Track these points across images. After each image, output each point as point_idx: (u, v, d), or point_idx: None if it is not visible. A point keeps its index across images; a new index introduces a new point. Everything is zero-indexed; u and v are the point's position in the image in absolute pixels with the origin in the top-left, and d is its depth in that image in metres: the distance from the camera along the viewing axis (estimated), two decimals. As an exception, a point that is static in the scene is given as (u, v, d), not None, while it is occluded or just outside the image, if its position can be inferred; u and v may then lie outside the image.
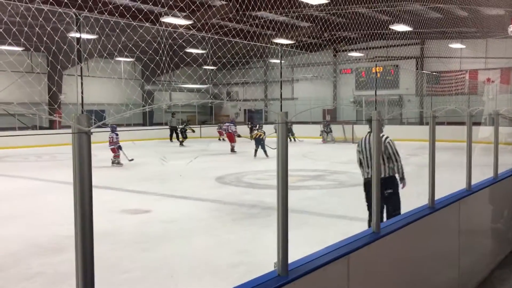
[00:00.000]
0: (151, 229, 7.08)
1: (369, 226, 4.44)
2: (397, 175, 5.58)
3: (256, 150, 17.20)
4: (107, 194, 9.70)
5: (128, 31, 12.25)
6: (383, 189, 5.15)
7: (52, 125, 27.56)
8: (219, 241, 6.44)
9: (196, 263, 5.46)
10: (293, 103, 31.83)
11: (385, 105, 28.48)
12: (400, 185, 5.61)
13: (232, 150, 19.37)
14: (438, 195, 4.11)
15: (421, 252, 3.69)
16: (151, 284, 4.86)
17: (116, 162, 14.77)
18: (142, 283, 4.88)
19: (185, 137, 24.28)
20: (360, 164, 5.78)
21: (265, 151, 16.88)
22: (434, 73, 28.04)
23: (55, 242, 6.29)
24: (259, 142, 17.20)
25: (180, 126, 24.65)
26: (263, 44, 24.72)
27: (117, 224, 7.31)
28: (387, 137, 5.56)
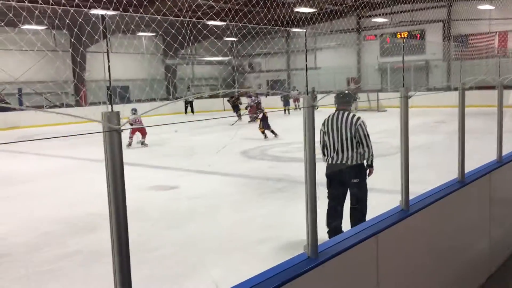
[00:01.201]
0: (179, 206, 7.20)
1: (330, 236, 4.42)
2: (365, 162, 4.97)
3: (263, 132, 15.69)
4: (133, 171, 9.85)
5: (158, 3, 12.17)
6: (350, 178, 4.86)
7: (78, 102, 27.98)
8: (246, 217, 6.51)
9: (224, 240, 5.55)
10: (317, 73, 31.44)
11: (411, 71, 27.87)
12: (367, 173, 5.01)
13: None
14: (468, 165, 4.04)
15: (451, 226, 3.66)
16: (180, 261, 4.96)
17: (142, 142, 14.48)
18: (172, 260, 4.99)
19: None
20: (323, 147, 5.03)
21: (272, 131, 15.13)
22: (462, 36, 27.20)
23: (88, 221, 6.46)
24: (265, 121, 15.73)
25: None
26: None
27: (145, 201, 7.45)
28: (358, 118, 4.90)
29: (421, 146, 10.46)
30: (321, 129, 4.97)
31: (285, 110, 25.42)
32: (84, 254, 5.26)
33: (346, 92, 5.15)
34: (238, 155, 11.90)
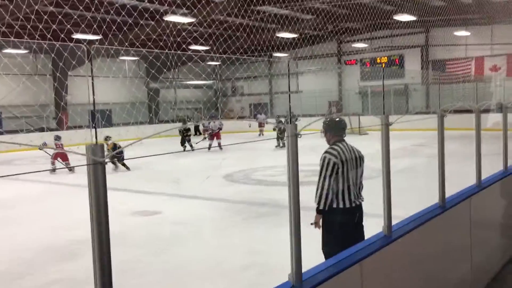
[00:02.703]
0: (162, 232, 7.13)
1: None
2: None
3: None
4: (116, 196, 9.76)
5: (136, 29, 12.27)
6: (361, 221, 4.06)
7: (59, 125, 27.70)
8: (231, 242, 6.47)
9: (208, 266, 5.50)
10: (298, 96, 31.78)
11: (391, 95, 28.34)
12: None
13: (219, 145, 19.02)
14: (448, 189, 4.10)
15: (433, 251, 3.69)
16: (165, 288, 4.90)
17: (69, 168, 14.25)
18: (156, 287, 4.93)
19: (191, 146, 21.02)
20: (337, 182, 3.99)
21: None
22: (439, 61, 27.87)
23: (70, 247, 6.35)
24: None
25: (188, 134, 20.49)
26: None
27: (129, 227, 7.36)
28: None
29: (402, 170, 10.59)
30: (333, 161, 3.99)
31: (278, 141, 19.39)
32: (65, 282, 5.17)
33: (339, 119, 4.39)
34: (222, 179, 11.88)
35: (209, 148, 18.43)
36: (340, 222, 4.00)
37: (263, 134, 26.09)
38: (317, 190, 4.05)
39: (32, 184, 12.33)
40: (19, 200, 10.16)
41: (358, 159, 4.15)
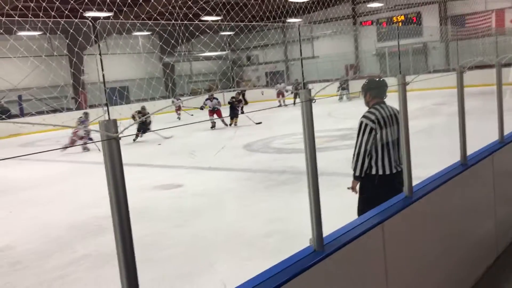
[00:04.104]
0: (184, 204, 7.23)
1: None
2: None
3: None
4: (138, 171, 9.90)
5: (145, 5, 12.16)
6: (400, 187, 3.22)
7: (78, 106, 28.00)
8: (252, 211, 6.53)
9: (231, 235, 5.57)
10: (315, 61, 31.35)
11: (409, 55, 27.74)
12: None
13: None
14: (470, 146, 4.02)
15: (455, 210, 3.66)
16: (189, 259, 4.99)
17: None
18: (181, 259, 5.02)
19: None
20: (368, 153, 3.86)
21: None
22: (458, 17, 27.05)
23: (95, 224, 6.50)
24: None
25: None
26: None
27: (151, 201, 7.48)
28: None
29: (422, 130, 10.44)
30: (370, 126, 3.83)
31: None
32: (93, 258, 5.29)
33: (379, 78, 4.19)
34: (241, 149, 11.92)
35: (212, 127, 17.32)
36: (377, 189, 3.82)
37: (284, 103, 25.62)
38: (353, 156, 3.93)
39: (56, 164, 12.57)
40: (45, 180, 10.38)
41: (397, 124, 3.89)
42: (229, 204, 7.07)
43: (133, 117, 14.40)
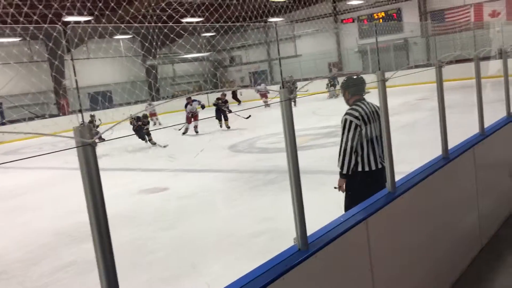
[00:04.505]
0: (171, 207, 7.20)
1: None
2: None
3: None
4: (124, 176, 9.83)
5: (124, 4, 12.08)
6: (383, 183, 3.20)
7: (60, 111, 27.72)
8: (239, 211, 6.53)
9: (219, 237, 5.56)
10: (298, 60, 31.45)
11: (391, 51, 27.97)
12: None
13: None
14: (452, 140, 4.06)
15: (439, 203, 3.69)
16: (177, 261, 4.97)
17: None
18: (169, 261, 4.99)
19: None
20: (354, 150, 3.88)
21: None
22: (438, 12, 27.35)
23: (81, 230, 6.42)
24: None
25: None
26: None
27: (138, 205, 7.44)
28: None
29: (405, 125, 10.54)
30: (354, 122, 3.85)
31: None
32: (80, 264, 5.24)
33: (357, 76, 4.28)
34: (226, 150, 11.90)
35: (184, 133, 16.15)
36: (364, 186, 3.83)
37: (268, 104, 24.96)
38: (339, 154, 3.93)
39: (41, 171, 12.41)
40: (30, 188, 10.25)
41: (378, 120, 3.93)
42: (216, 205, 7.06)
43: (131, 122, 14.26)
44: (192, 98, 16.37)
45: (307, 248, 2.34)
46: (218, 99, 16.90)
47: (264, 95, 24.50)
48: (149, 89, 33.63)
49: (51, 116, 26.99)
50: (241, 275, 2.14)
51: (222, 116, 16.41)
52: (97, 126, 14.41)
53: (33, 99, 25.50)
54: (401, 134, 8.41)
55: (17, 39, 24.88)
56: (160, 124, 21.05)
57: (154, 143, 14.21)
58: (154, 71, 34.12)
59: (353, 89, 4.04)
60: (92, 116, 16.24)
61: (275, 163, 9.32)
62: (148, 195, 8.17)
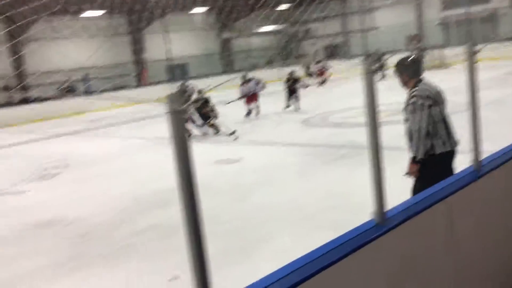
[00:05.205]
0: (244, 178, 7.33)
1: None
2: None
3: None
4: (198, 146, 10.12)
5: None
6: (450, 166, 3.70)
7: (139, 83, 28.86)
8: (311, 186, 6.52)
9: (290, 210, 5.60)
10: (375, 33, 30.38)
11: (476, 23, 26.22)
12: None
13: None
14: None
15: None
16: (250, 232, 5.07)
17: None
18: (242, 232, 5.11)
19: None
20: (434, 126, 3.72)
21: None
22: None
23: (159, 197, 6.75)
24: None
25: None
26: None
27: (212, 176, 7.64)
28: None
29: (492, 101, 9.93)
30: (426, 107, 3.68)
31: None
32: (158, 229, 5.51)
33: (414, 56, 4.15)
34: (299, 124, 11.87)
35: (247, 114, 14.32)
36: (440, 169, 3.63)
37: (323, 81, 22.45)
38: (411, 139, 3.74)
39: (120, 140, 13.08)
40: (110, 157, 10.81)
41: (443, 95, 3.85)
42: (288, 179, 7.10)
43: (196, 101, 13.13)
44: (250, 77, 14.53)
45: (384, 223, 2.30)
46: (290, 76, 15.13)
47: (322, 73, 22.89)
48: (223, 63, 34.10)
49: (130, 87, 28.21)
50: (312, 249, 2.15)
51: (294, 96, 14.73)
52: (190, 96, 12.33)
53: (115, 71, 26.73)
54: (488, 110, 7.93)
55: (100, 12, 26.04)
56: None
57: (217, 130, 11.95)
58: (228, 45, 34.50)
59: (413, 70, 3.84)
60: (186, 86, 15.09)
61: (349, 138, 9.17)
62: (222, 166, 8.37)
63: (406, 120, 3.84)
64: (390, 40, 28.60)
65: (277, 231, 5.00)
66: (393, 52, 22.66)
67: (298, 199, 5.95)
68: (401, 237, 2.34)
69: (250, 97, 14.11)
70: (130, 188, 7.58)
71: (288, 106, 14.70)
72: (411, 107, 3.72)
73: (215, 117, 11.97)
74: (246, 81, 14.15)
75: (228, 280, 3.18)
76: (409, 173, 3.86)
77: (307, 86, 15.59)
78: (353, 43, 34.09)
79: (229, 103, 12.86)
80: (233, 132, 11.03)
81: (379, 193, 2.32)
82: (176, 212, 5.83)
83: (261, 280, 1.88)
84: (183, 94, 1.46)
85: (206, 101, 12.01)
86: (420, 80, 3.84)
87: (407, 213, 2.43)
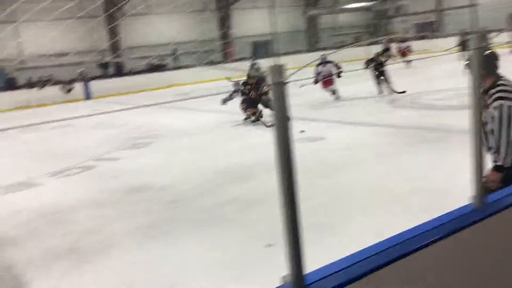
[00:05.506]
0: (327, 157, 7.29)
1: None
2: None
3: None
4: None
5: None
6: None
7: (226, 59, 29.38)
8: (395, 167, 6.35)
9: (373, 190, 5.50)
10: (474, 10, 28.40)
11: None
12: None
13: None
14: None
15: None
16: (332, 211, 5.06)
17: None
18: (323, 209, 5.10)
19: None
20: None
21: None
22: None
23: (242, 171, 6.92)
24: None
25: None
26: None
27: (296, 151, 7.65)
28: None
29: None
30: (510, 108, 3.25)
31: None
32: (241, 201, 5.65)
33: (490, 51, 3.45)
34: (386, 104, 11.52)
35: (332, 94, 13.40)
36: None
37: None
38: (499, 145, 3.33)
39: (210, 113, 13.43)
40: (199, 129, 11.14)
41: None
42: (372, 160, 6.95)
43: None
44: (327, 59, 13.46)
45: (484, 208, 2.19)
46: (378, 55, 13.61)
47: (404, 53, 21.65)
48: (308, 40, 33.73)
49: (215, 63, 28.83)
50: (399, 230, 2.09)
51: (383, 78, 13.23)
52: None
53: (202, 47, 27.41)
54: None
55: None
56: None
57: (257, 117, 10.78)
58: (313, 22, 34.03)
59: (491, 66, 3.33)
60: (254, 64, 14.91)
61: (441, 121, 8.76)
62: (305, 143, 8.36)
63: (491, 131, 3.36)
64: (489, 18, 26.66)
65: (360, 211, 4.94)
66: (499, 31, 21.09)
67: (383, 180, 5.81)
68: (502, 224, 2.23)
69: (326, 81, 13.24)
70: (215, 160, 7.83)
71: (381, 92, 13.18)
72: (497, 112, 3.29)
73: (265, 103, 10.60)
74: (323, 62, 13.39)
75: (313, 254, 3.21)
76: (489, 181, 3.32)
77: (387, 60, 13.96)
78: (448, 21, 32.18)
79: (302, 86, 12.11)
80: (271, 125, 10.24)
81: (479, 177, 2.21)
82: (258, 186, 5.99)
83: (353, 255, 1.88)
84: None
85: (259, 82, 10.66)
86: (499, 77, 3.39)
87: (509, 200, 2.30)
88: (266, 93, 10.43)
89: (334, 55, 14.43)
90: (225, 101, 11.51)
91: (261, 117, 10.68)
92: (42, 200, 6.47)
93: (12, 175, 8.12)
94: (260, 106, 10.83)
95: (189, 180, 6.82)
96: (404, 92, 12.73)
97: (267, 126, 9.86)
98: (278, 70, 1.53)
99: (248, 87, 10.81)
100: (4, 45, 22.07)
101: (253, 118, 10.72)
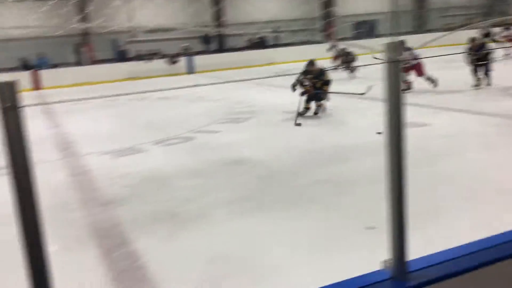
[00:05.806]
0: (431, 144, 6.97)
1: None
2: None
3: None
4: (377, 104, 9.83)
5: None
6: None
7: (326, 38, 28.91)
8: (504, 160, 5.92)
9: (481, 183, 5.18)
10: None
11: None
12: None
13: None
14: None
15: None
16: (436, 200, 4.83)
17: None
18: (420, 197, 4.88)
19: None
20: None
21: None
22: None
23: (339, 152, 6.87)
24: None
25: None
26: None
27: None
28: None
29: None
30: None
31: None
32: (333, 183, 5.59)
33: None
34: (497, 92, 10.67)
35: (408, 89, 11.72)
36: None
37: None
38: None
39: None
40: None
41: None
42: (476, 149, 6.55)
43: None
44: (408, 46, 11.13)
45: None
46: (478, 43, 11.83)
47: (511, 40, 18.55)
48: (415, 20, 32.09)
49: (315, 42, 28.45)
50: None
51: (483, 68, 11.58)
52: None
53: (304, 25, 27.19)
54: None
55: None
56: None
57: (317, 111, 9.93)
58: (424, 2, 32.26)
59: None
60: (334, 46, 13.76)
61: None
62: (409, 128, 8.03)
63: None
64: None
65: (468, 202, 4.66)
66: None
67: (490, 172, 5.47)
68: None
69: (416, 70, 11.84)
70: (312, 139, 7.84)
71: (477, 85, 11.58)
72: None
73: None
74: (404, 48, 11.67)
75: (414, 242, 3.11)
76: None
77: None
78: None
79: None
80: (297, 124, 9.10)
81: None
82: (349, 169, 5.88)
83: (460, 247, 1.80)
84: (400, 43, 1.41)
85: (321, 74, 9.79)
86: None
87: None
88: (325, 84, 9.72)
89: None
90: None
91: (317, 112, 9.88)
92: (147, 166, 6.92)
93: (122, 140, 8.76)
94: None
95: (284, 157, 6.90)
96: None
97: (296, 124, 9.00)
98: (395, 47, 1.48)
99: (309, 76, 9.72)
100: (120, 18, 23.64)
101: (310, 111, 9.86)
